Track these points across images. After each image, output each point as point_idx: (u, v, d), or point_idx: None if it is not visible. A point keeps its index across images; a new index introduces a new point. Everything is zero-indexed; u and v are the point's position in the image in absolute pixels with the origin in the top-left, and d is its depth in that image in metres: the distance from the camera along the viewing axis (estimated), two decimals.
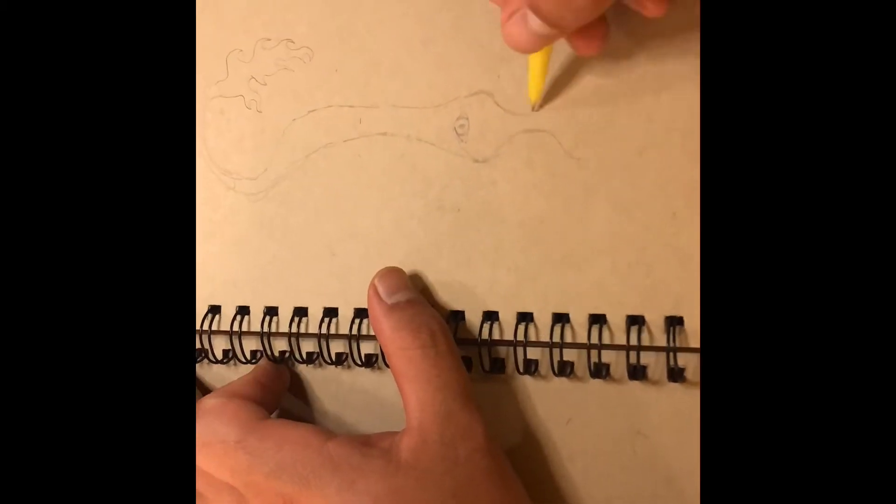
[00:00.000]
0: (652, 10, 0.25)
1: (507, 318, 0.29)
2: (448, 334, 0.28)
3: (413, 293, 0.29)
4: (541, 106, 0.29)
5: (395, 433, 0.27)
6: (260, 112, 0.33)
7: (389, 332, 0.27)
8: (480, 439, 0.26)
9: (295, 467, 0.26)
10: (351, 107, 0.32)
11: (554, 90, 0.28)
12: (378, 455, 0.26)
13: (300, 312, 0.32)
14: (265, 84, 0.33)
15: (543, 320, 0.29)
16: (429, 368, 0.26)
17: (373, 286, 0.29)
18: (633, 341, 0.27)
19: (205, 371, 0.34)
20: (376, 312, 0.28)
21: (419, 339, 0.27)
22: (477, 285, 0.30)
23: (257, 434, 0.27)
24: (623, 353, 0.27)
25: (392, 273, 0.29)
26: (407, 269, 0.31)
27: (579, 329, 0.28)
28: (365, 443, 0.26)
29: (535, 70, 0.27)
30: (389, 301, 0.28)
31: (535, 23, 0.23)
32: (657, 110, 0.27)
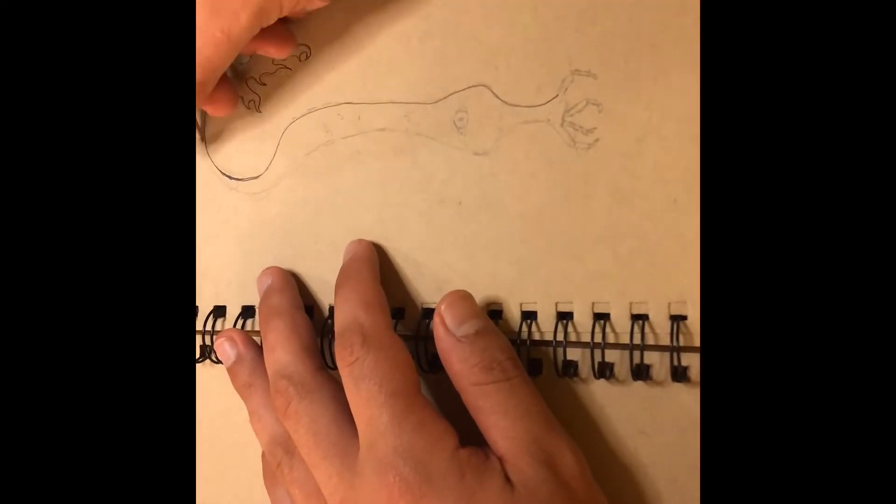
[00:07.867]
0: (275, 53, 0.32)
1: (511, 311, 0.29)
2: (518, 362, 0.27)
3: (482, 321, 0.27)
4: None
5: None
6: (260, 112, 0.33)
7: (459, 367, 0.26)
8: (572, 464, 0.25)
9: (424, 458, 0.24)
10: (350, 104, 0.32)
11: (550, 80, 0.28)
12: (499, 473, 0.24)
13: (306, 311, 0.32)
14: (264, 84, 0.33)
15: (547, 311, 0.28)
16: (506, 400, 0.25)
17: (439, 314, 0.27)
18: (637, 338, 0.27)
19: (209, 371, 0.35)
20: (444, 345, 0.27)
21: (491, 374, 0.25)
22: (479, 277, 0.29)
23: (407, 403, 0.25)
24: (626, 352, 0.27)
25: (460, 301, 0.27)
26: (410, 263, 0.31)
27: (583, 319, 0.28)
28: (488, 456, 0.25)
29: None
30: (458, 333, 0.26)
31: None
32: (654, 97, 0.27)
